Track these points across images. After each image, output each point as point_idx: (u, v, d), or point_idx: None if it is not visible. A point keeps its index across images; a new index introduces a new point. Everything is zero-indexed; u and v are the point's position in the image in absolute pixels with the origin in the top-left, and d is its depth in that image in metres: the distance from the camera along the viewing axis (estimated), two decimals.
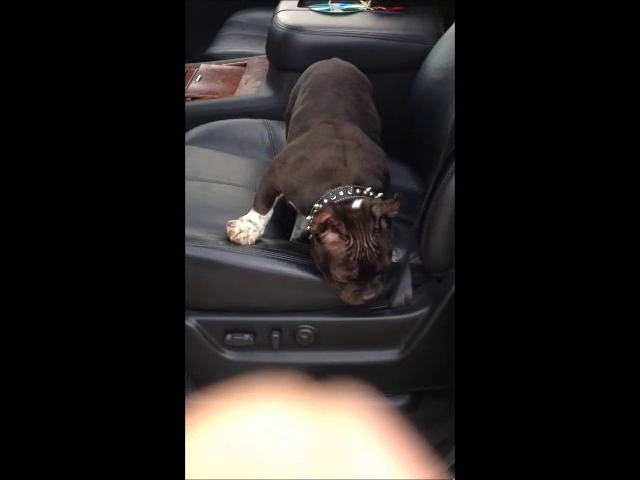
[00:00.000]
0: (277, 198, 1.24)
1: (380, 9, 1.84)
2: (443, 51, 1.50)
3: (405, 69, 1.64)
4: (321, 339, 1.25)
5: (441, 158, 1.13)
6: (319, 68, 1.47)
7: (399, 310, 1.23)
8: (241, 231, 1.21)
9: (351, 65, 1.48)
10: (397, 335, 1.25)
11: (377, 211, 1.08)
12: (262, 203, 1.24)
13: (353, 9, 1.84)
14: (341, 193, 1.13)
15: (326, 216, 1.07)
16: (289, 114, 1.43)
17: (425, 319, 1.23)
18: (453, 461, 1.10)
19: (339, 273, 1.10)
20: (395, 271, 1.22)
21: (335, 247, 1.09)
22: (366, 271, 1.10)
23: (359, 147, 1.21)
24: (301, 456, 0.26)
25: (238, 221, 1.23)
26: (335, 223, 1.07)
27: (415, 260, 1.23)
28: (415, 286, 1.22)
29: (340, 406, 0.29)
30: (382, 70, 1.72)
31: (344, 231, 1.08)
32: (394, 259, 1.24)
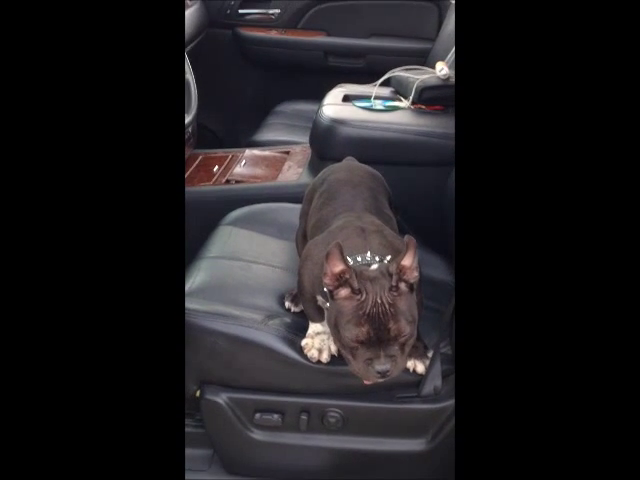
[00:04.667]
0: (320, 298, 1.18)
1: (420, 107, 1.92)
2: None
3: (442, 164, 1.70)
4: (349, 424, 1.25)
5: None
6: (334, 173, 1.45)
7: (428, 399, 1.23)
8: (319, 350, 1.20)
9: (366, 166, 1.49)
10: (425, 425, 1.25)
11: (393, 268, 1.05)
12: (314, 314, 1.22)
13: (394, 106, 1.93)
14: (359, 259, 1.11)
15: (338, 266, 1.05)
16: (304, 214, 1.42)
17: (453, 410, 1.23)
18: None
19: (348, 331, 1.04)
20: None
21: (347, 302, 1.05)
22: (378, 332, 1.03)
23: (379, 232, 1.20)
24: None
25: (309, 340, 1.22)
26: (347, 275, 1.05)
27: (445, 350, 1.24)
28: (445, 376, 1.23)
29: None
30: (420, 164, 1.79)
31: (356, 284, 1.04)
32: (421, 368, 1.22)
